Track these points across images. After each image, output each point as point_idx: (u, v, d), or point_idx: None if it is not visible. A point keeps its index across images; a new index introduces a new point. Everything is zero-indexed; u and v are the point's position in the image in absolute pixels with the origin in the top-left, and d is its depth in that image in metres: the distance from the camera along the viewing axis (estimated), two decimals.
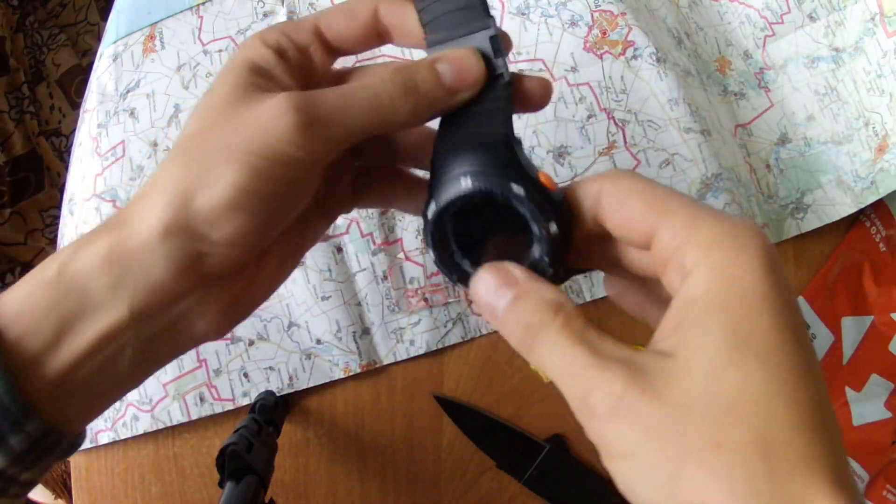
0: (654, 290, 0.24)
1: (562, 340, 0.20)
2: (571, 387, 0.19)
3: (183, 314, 0.23)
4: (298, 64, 0.25)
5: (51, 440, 0.22)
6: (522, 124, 0.45)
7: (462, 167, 0.22)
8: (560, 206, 0.22)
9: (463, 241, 0.24)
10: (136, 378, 0.24)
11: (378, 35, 0.26)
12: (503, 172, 0.22)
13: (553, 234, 0.22)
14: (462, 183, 0.22)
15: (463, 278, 0.24)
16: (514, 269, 0.22)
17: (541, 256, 0.22)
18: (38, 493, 0.96)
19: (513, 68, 0.46)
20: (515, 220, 0.22)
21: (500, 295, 0.21)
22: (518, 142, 0.23)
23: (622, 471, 0.18)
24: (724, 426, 0.17)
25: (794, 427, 0.16)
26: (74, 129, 0.53)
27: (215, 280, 0.23)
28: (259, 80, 0.24)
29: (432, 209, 0.23)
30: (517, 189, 0.22)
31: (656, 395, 0.18)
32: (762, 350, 0.17)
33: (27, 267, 1.19)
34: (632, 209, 0.21)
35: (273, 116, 0.22)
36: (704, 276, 0.19)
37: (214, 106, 0.23)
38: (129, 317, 0.22)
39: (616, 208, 0.22)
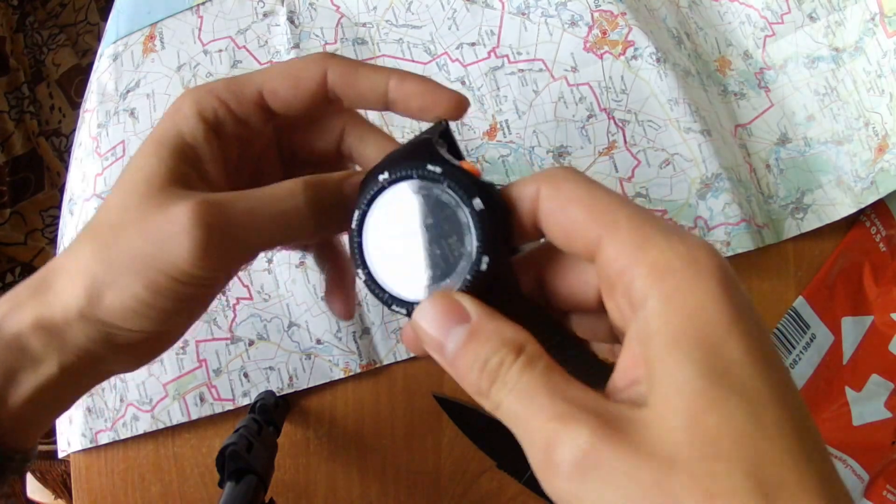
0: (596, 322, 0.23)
1: (522, 385, 0.18)
2: (532, 438, 0.17)
3: (104, 365, 0.26)
4: (235, 134, 0.26)
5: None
6: (522, 124, 0.45)
7: (380, 171, 0.21)
8: (486, 186, 0.20)
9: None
10: (71, 404, 0.28)
11: (327, 100, 0.26)
12: (419, 159, 0.21)
13: (479, 211, 0.20)
14: (379, 178, 0.21)
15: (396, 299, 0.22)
16: (465, 301, 0.20)
17: (472, 247, 0.20)
18: (38, 493, 0.96)
19: (513, 68, 0.46)
20: (449, 232, 0.21)
21: (450, 331, 0.19)
22: (445, 145, 0.22)
23: None
24: (715, 475, 0.15)
25: (785, 463, 0.15)
26: (74, 129, 0.53)
27: (129, 345, 0.25)
28: (182, 168, 0.24)
29: (355, 217, 0.22)
30: (433, 167, 0.20)
31: (632, 448, 0.16)
32: (739, 383, 0.16)
33: (27, 267, 1.19)
34: (573, 217, 0.19)
35: (178, 232, 0.22)
36: (660, 307, 0.17)
37: (132, 195, 0.24)
38: (60, 372, 0.24)
39: (555, 214, 0.20)
